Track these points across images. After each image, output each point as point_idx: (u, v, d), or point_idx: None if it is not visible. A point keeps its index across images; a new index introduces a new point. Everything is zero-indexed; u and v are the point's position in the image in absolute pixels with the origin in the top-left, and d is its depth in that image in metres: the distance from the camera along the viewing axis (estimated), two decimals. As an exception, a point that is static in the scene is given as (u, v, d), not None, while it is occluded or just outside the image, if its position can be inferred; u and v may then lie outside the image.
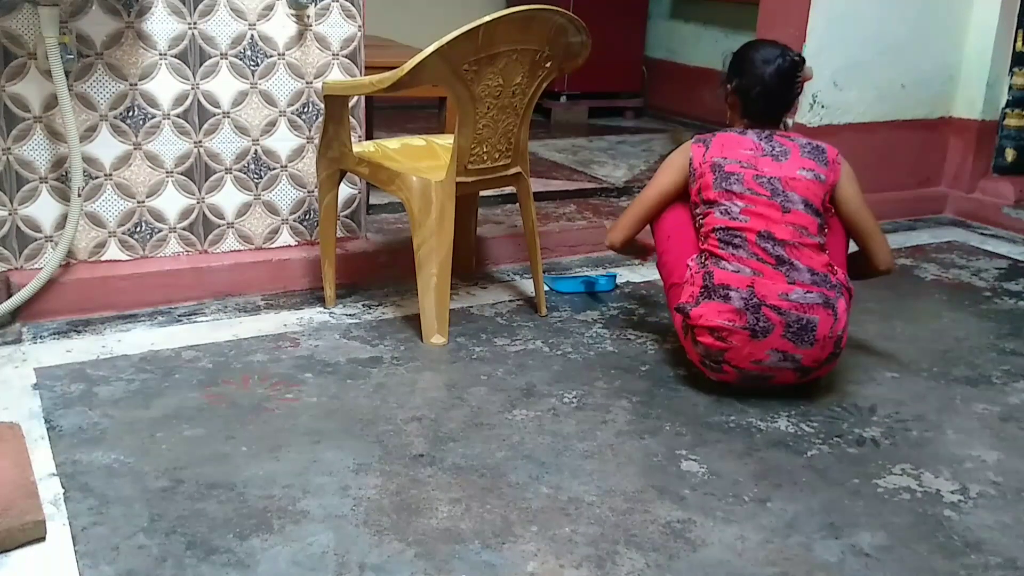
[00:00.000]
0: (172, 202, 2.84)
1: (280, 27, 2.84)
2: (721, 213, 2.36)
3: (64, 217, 2.67)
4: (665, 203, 2.53)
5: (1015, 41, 4.15)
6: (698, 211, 2.44)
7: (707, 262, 2.35)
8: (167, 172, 2.82)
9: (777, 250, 2.30)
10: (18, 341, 2.54)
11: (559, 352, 2.64)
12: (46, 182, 2.67)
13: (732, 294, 2.28)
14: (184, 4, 2.71)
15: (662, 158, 4.89)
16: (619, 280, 3.21)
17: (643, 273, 3.06)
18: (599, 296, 3.08)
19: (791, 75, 2.44)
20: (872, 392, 2.49)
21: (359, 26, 2.94)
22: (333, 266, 2.86)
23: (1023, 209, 4.11)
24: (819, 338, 2.27)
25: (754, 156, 2.39)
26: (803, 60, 2.47)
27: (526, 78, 2.59)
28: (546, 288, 3.00)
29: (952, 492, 2.04)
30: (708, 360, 2.35)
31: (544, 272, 3.02)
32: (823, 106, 3.92)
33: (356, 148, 2.77)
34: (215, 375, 2.40)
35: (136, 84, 2.71)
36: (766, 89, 2.43)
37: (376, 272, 3.08)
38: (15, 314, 2.62)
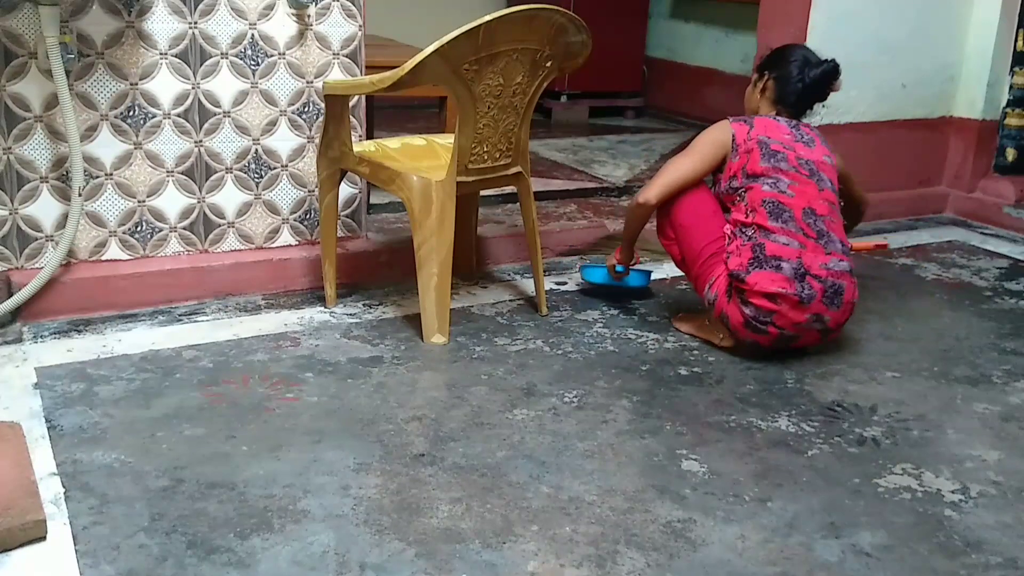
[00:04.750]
0: (173, 201, 2.84)
1: (280, 27, 2.84)
2: (769, 186, 2.56)
3: (65, 216, 2.68)
4: (703, 176, 2.70)
5: (1016, 40, 4.14)
6: (734, 184, 2.61)
7: (755, 234, 2.53)
8: (168, 172, 2.82)
9: (818, 224, 2.55)
10: (19, 340, 2.54)
11: (560, 352, 2.64)
12: (47, 181, 2.67)
13: (784, 265, 2.49)
14: (184, 4, 2.71)
15: (663, 157, 4.91)
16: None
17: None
18: (630, 292, 3.03)
19: (829, 80, 2.71)
20: (873, 392, 2.49)
21: (359, 25, 2.94)
22: (334, 265, 2.86)
23: (1024, 208, 4.12)
24: (845, 302, 2.55)
25: (792, 140, 2.62)
26: (839, 71, 2.73)
27: (527, 77, 2.59)
28: (580, 282, 3.11)
29: (953, 492, 2.04)
30: (755, 321, 2.52)
31: (544, 273, 3.02)
32: (823, 105, 3.85)
33: (356, 148, 2.77)
34: (216, 375, 2.40)
35: (137, 84, 2.71)
36: (806, 85, 2.69)
37: (377, 271, 3.08)
38: (16, 314, 2.62)
